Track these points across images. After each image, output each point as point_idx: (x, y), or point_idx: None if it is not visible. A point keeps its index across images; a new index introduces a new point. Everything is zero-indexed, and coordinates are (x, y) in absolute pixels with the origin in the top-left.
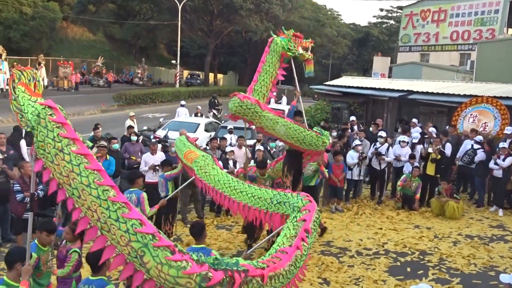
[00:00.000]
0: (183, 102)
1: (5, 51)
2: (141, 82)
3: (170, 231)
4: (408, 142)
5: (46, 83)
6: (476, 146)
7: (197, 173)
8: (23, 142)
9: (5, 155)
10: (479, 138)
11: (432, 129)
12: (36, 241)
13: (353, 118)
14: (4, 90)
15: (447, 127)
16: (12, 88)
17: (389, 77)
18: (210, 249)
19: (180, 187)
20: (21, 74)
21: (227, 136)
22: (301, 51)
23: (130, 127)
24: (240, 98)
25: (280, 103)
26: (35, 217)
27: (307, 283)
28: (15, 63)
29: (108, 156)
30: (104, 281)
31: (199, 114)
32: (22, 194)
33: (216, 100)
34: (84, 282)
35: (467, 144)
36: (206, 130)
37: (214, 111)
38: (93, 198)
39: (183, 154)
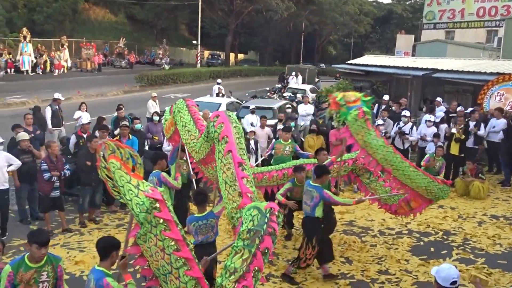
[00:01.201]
0: (219, 81)
1: (29, 33)
2: (166, 66)
3: None
4: (434, 122)
5: (69, 65)
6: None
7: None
8: (48, 110)
9: (32, 135)
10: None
11: (459, 108)
12: (26, 255)
13: (386, 97)
14: (30, 72)
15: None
16: (103, 157)
17: (413, 55)
18: (213, 213)
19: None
20: (117, 149)
21: (249, 116)
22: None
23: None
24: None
25: (296, 83)
26: (62, 195)
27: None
28: (39, 45)
29: (130, 136)
30: (103, 272)
31: (220, 94)
32: (49, 173)
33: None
34: (91, 270)
35: (493, 123)
36: (227, 109)
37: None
38: None
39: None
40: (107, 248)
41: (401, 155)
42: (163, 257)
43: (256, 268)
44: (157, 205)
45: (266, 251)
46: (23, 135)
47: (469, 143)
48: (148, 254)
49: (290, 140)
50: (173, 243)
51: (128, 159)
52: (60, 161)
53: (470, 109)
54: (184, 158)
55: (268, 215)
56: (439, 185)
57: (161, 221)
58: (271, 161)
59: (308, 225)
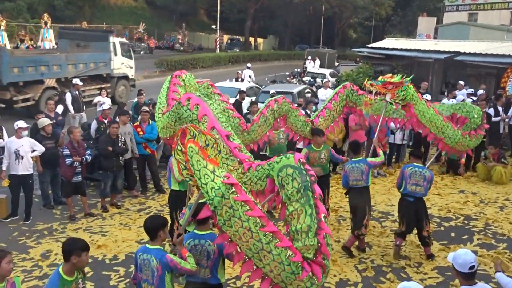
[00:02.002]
0: (249, 65)
1: (50, 19)
2: (181, 48)
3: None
4: None
5: None
6: None
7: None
8: (68, 95)
9: (54, 121)
10: None
11: (480, 91)
12: (60, 269)
13: None
14: None
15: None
16: (180, 142)
17: (435, 38)
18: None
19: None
20: (198, 135)
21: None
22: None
23: None
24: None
25: (313, 67)
26: (84, 180)
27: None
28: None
29: (151, 121)
30: (162, 250)
31: (239, 79)
32: (71, 159)
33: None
34: (143, 251)
35: None
36: (247, 95)
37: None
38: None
39: None
40: (155, 227)
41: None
42: (252, 236)
43: (323, 215)
44: (234, 189)
45: (320, 197)
46: (45, 121)
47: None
48: (236, 237)
49: (323, 145)
50: (258, 220)
51: (207, 146)
52: (81, 147)
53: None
54: None
55: (302, 166)
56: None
57: (242, 203)
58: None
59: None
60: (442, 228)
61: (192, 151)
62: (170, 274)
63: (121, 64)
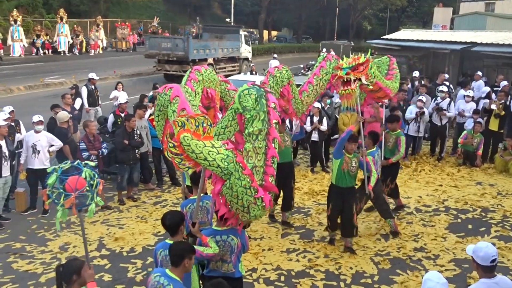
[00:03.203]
0: (275, 55)
1: (66, 14)
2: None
3: None
4: (472, 97)
5: (105, 45)
6: None
7: None
8: (84, 90)
9: (70, 115)
10: None
11: (503, 83)
12: (174, 276)
13: (416, 73)
14: (67, 53)
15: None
16: (171, 139)
17: (451, 29)
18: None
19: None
20: (186, 121)
21: None
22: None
23: None
24: None
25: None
26: (102, 175)
27: (365, 238)
28: (75, 26)
29: None
30: None
31: (254, 72)
32: (87, 152)
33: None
34: (163, 247)
35: None
36: None
37: None
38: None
39: None
40: (176, 223)
41: None
42: (246, 192)
43: (275, 121)
44: (234, 153)
45: (273, 105)
46: (64, 115)
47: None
48: (233, 197)
49: (353, 153)
50: (249, 178)
51: (198, 126)
52: (97, 140)
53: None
54: None
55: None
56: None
57: (241, 164)
58: None
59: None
60: (459, 220)
61: (187, 140)
62: (195, 266)
63: (245, 50)
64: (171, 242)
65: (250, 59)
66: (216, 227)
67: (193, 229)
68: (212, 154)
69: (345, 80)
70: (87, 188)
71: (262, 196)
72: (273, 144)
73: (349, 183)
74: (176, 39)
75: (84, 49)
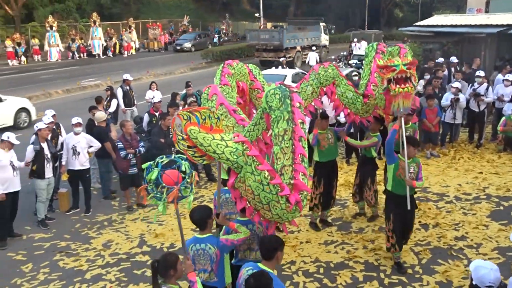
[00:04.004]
0: (314, 48)
1: (99, 18)
2: (226, 38)
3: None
4: (511, 81)
5: (137, 46)
6: None
7: None
8: (119, 91)
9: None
10: None
11: None
12: (268, 269)
13: (453, 59)
14: (101, 55)
15: None
16: (179, 129)
17: (486, 12)
18: (215, 238)
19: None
20: (192, 115)
21: None
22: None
23: None
24: None
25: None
26: (140, 172)
27: None
28: (108, 28)
29: None
30: (214, 237)
31: (284, 66)
32: (125, 151)
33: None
34: (194, 241)
35: None
36: (293, 82)
37: None
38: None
39: None
40: (203, 218)
41: None
42: (263, 188)
43: (300, 120)
44: (246, 145)
45: (299, 105)
46: (101, 115)
47: None
48: (248, 192)
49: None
50: (267, 174)
51: (205, 119)
52: (134, 140)
53: None
54: None
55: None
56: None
57: (254, 158)
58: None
59: None
60: (501, 208)
61: (194, 133)
62: (227, 256)
63: (323, 38)
64: (201, 236)
65: (327, 46)
66: (240, 218)
67: (217, 219)
68: (221, 147)
69: (401, 77)
70: (187, 180)
71: (287, 195)
72: (300, 143)
73: (404, 190)
74: (272, 32)
75: (117, 51)
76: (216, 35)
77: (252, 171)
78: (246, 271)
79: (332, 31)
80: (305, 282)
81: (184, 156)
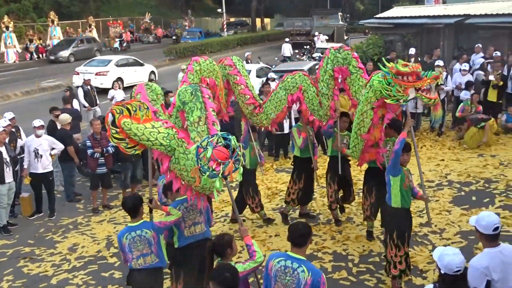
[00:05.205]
0: (287, 39)
1: (57, 17)
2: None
3: (254, 204)
4: (468, 70)
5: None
6: None
7: None
8: (80, 91)
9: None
10: None
11: (496, 53)
12: None
13: (412, 50)
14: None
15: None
16: (112, 123)
17: (444, 3)
18: (150, 223)
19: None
20: (123, 108)
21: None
22: (412, 95)
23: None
24: None
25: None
26: (109, 172)
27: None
28: (67, 27)
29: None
30: (147, 222)
31: (249, 61)
32: (92, 150)
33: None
34: (127, 231)
35: None
36: (257, 76)
37: None
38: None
39: None
40: (136, 205)
41: None
42: (195, 164)
43: (211, 108)
44: (174, 130)
45: (208, 97)
46: (66, 118)
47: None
48: (183, 171)
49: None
50: (194, 151)
51: (136, 110)
52: (104, 138)
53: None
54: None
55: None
56: None
57: (183, 140)
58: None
59: None
60: (463, 193)
61: (128, 124)
62: (161, 237)
63: (340, 23)
64: (135, 224)
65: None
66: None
67: (151, 204)
68: (154, 134)
69: (425, 87)
70: (239, 153)
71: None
72: (214, 127)
73: (410, 201)
74: (304, 20)
75: None
76: (118, 40)
77: (184, 151)
78: (277, 262)
79: (347, 19)
80: None
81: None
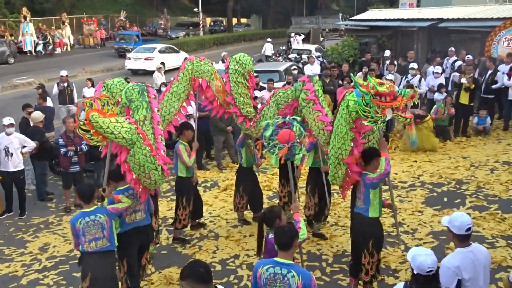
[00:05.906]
0: (269, 39)
1: (29, 13)
2: (164, 33)
3: (241, 204)
4: (440, 73)
5: (72, 42)
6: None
7: None
8: (54, 88)
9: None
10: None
11: (468, 57)
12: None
13: (387, 52)
14: (33, 52)
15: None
16: (81, 115)
17: (418, 6)
18: (104, 208)
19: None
20: (93, 102)
21: None
22: (390, 115)
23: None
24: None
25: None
26: (82, 171)
27: (345, 218)
28: (40, 24)
29: None
30: (100, 207)
31: (225, 61)
32: (65, 148)
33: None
34: (81, 216)
35: (502, 69)
36: None
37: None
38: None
39: None
40: (90, 191)
41: None
42: (147, 160)
43: (156, 108)
44: (135, 126)
45: (154, 97)
46: (39, 116)
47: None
48: (137, 164)
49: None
50: (148, 148)
51: (104, 105)
52: (77, 137)
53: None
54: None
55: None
56: None
57: (141, 136)
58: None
59: None
60: (435, 194)
61: (96, 117)
62: (115, 222)
63: (342, 25)
64: (89, 210)
65: (344, 30)
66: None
67: (104, 193)
68: (117, 128)
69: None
70: (298, 140)
71: (162, 164)
72: (159, 126)
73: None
74: (311, 18)
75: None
76: (42, 42)
77: (140, 146)
78: (265, 270)
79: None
80: (249, 276)
81: (298, 118)
